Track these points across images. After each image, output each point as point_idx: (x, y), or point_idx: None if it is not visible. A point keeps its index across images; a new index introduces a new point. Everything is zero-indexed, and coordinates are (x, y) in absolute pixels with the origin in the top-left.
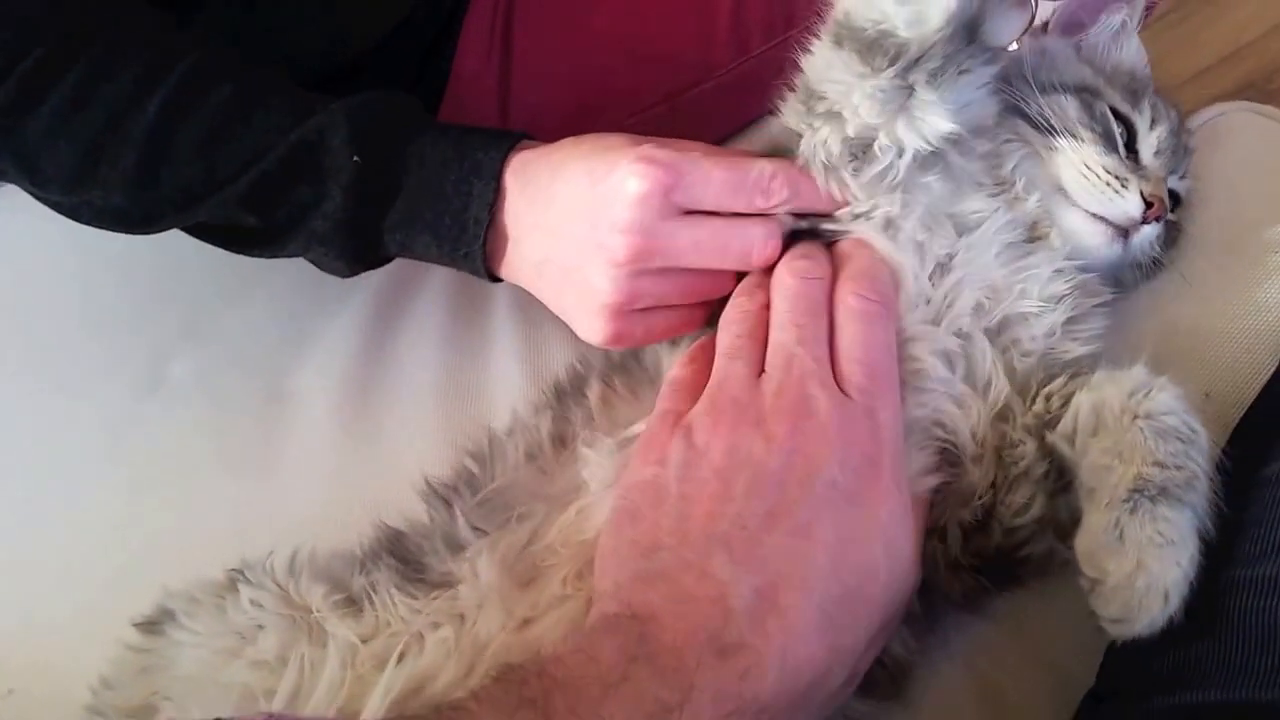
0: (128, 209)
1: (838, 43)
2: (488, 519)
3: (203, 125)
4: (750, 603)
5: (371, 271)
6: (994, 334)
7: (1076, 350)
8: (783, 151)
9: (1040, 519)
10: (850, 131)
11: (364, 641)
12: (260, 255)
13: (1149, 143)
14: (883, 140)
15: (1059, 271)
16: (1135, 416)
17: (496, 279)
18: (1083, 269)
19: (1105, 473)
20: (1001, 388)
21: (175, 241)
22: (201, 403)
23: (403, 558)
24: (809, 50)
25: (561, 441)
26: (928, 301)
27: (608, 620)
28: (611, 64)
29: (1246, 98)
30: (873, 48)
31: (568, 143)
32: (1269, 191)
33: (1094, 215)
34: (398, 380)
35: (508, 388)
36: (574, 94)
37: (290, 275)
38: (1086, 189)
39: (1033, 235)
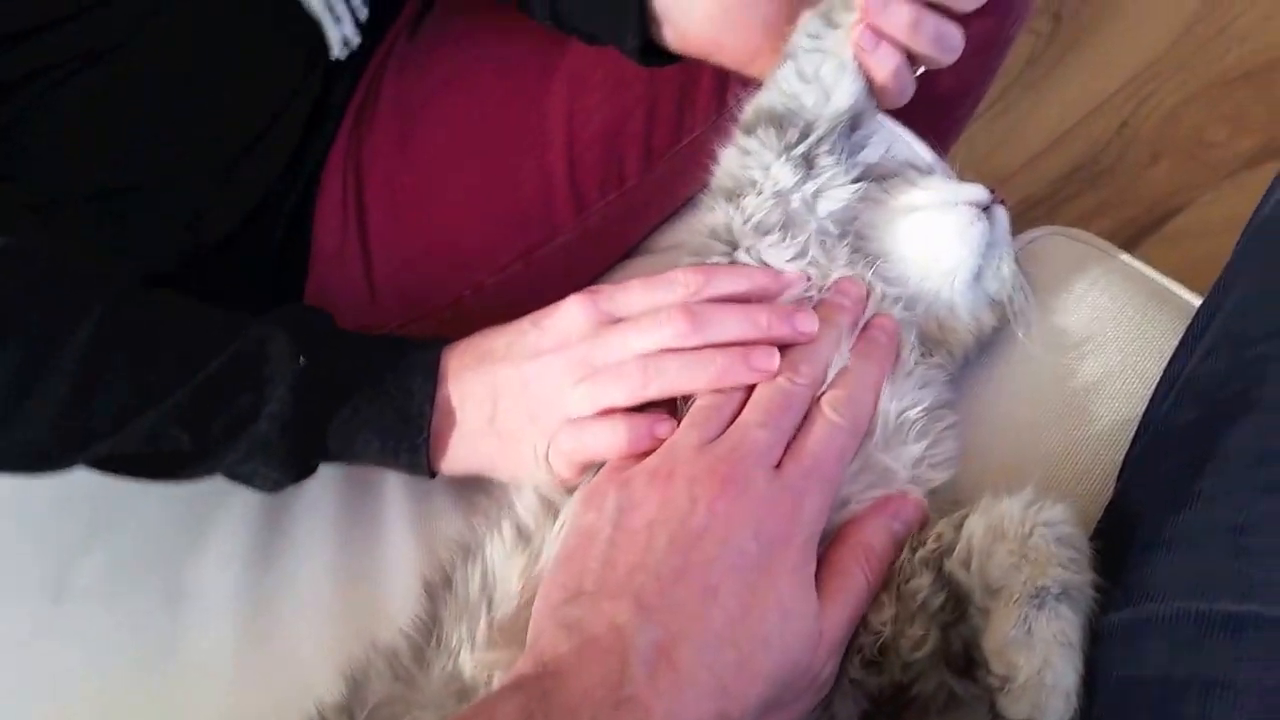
0: (50, 446)
1: (749, 130)
2: None
3: (138, 344)
4: (648, 655)
5: None
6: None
7: (939, 478)
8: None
9: (934, 652)
10: (768, 198)
11: None
12: (183, 478)
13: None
14: (796, 205)
15: (917, 400)
16: (1035, 525)
17: (434, 474)
18: (966, 289)
19: (1014, 571)
20: None
21: None
22: (106, 610)
23: None
24: (715, 160)
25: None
26: None
27: (517, 680)
28: (465, 228)
29: (1078, 180)
30: (784, 122)
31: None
32: (1079, 312)
33: (953, 204)
34: (294, 565)
35: (404, 562)
36: (435, 259)
37: None
38: (934, 188)
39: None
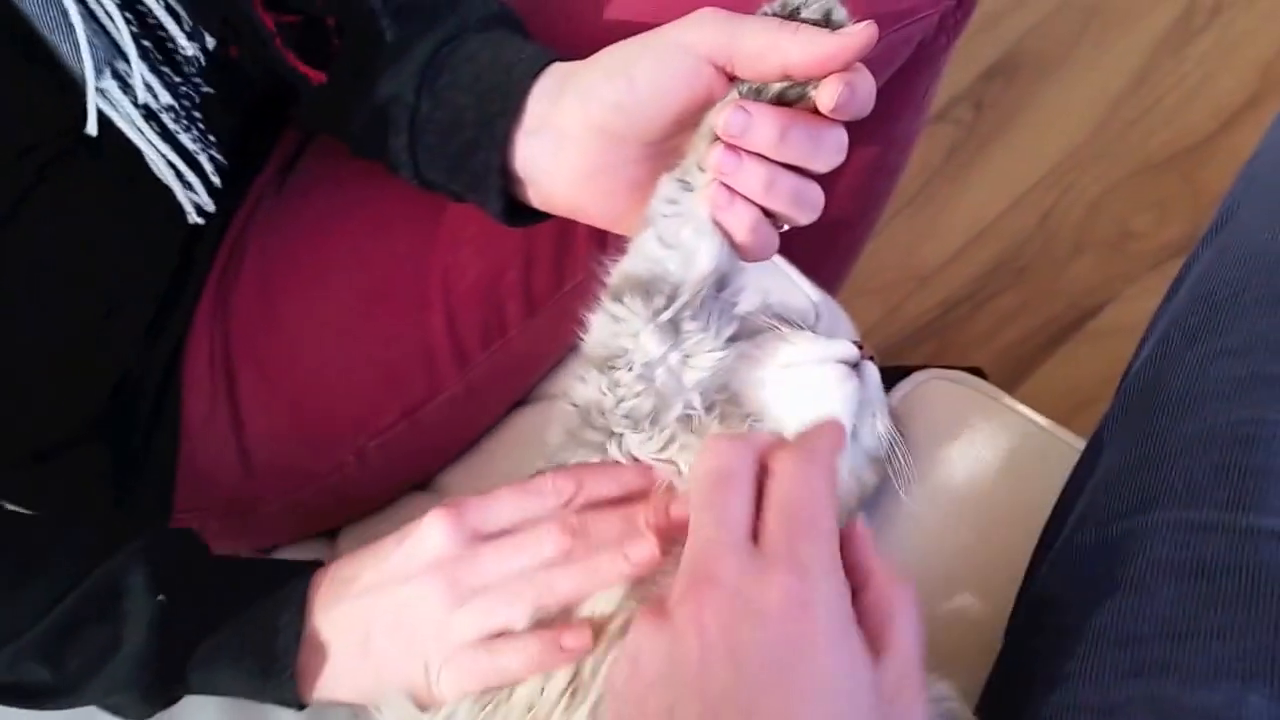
0: None
1: (617, 297)
2: None
3: None
4: None
5: None
6: None
7: None
8: None
9: None
10: (637, 369)
11: None
12: (52, 708)
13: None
14: (663, 378)
15: None
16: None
17: (303, 707)
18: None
19: None
20: None
21: None
22: None
23: None
24: (585, 329)
25: None
26: None
27: None
28: (340, 389)
29: (1001, 276)
30: (650, 288)
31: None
32: (962, 465)
33: (823, 360)
34: None
35: None
36: (310, 424)
37: None
38: (804, 344)
39: None
